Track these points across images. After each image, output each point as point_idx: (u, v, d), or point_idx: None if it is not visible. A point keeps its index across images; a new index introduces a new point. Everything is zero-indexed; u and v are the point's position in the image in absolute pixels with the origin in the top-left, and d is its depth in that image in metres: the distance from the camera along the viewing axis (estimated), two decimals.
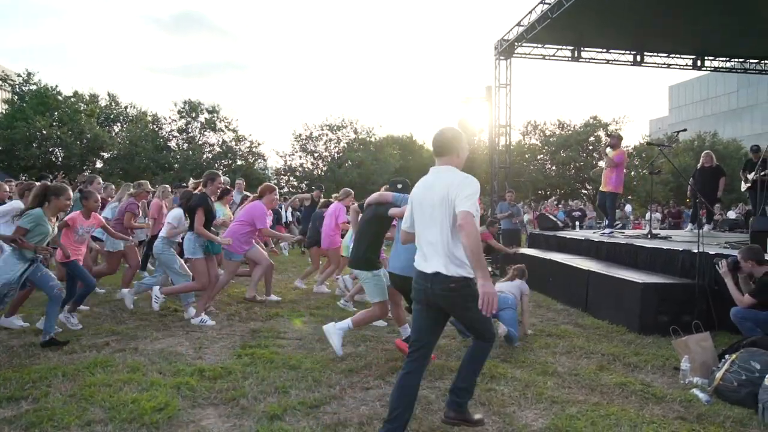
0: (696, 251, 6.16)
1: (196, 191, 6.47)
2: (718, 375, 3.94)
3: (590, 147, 34.08)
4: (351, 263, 5.10)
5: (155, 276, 6.70)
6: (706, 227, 10.37)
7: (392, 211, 4.62)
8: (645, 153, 35.04)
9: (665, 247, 6.90)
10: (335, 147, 36.37)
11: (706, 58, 15.14)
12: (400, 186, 5.17)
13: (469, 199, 2.80)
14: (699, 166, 9.88)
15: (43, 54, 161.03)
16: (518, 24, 12.24)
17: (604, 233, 8.96)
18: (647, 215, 16.36)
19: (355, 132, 36.58)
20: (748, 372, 3.72)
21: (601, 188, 9.53)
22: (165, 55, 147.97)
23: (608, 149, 9.35)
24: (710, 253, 6.12)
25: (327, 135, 36.25)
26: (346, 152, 35.64)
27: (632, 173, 35.42)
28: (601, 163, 9.59)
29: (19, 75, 32.52)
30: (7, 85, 32.84)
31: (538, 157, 36.59)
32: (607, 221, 9.70)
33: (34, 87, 31.29)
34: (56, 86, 31.88)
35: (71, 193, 5.25)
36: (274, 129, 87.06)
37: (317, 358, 4.66)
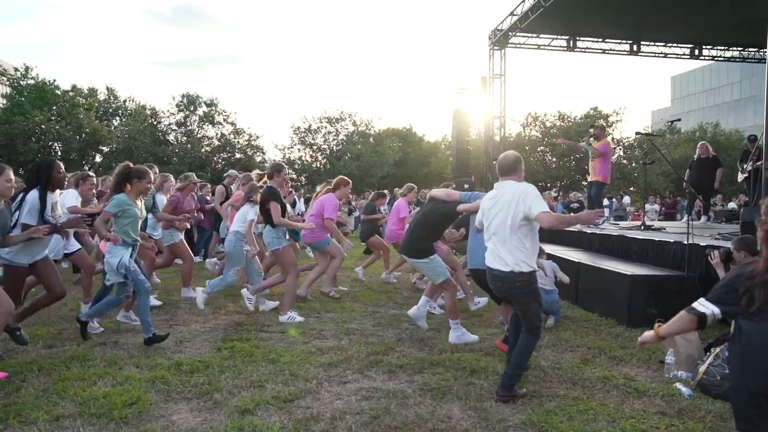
0: (688, 242, 6.09)
1: (260, 183, 6.46)
2: (702, 369, 3.88)
3: (591, 138, 33.90)
4: (404, 251, 5.27)
5: (230, 276, 6.18)
6: (703, 219, 10.27)
7: (462, 207, 4.81)
8: (645, 144, 34.85)
9: (657, 239, 6.82)
10: (334, 140, 36.27)
11: (704, 47, 14.93)
12: (467, 186, 5.34)
13: (537, 200, 3.45)
14: (695, 157, 9.77)
15: (42, 48, 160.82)
16: (511, 13, 12.08)
17: (597, 224, 8.88)
18: (646, 206, 16.25)
19: (354, 124, 36.45)
20: None
21: (589, 179, 9.45)
22: (166, 48, 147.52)
23: (592, 139, 9.24)
24: (701, 244, 6.04)
25: (326, 127, 36.13)
26: (345, 145, 35.54)
27: (633, 164, 35.29)
28: (582, 144, 9.48)
29: (17, 69, 32.44)
30: (5, 79, 32.81)
31: (539, 149, 36.41)
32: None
33: (32, 81, 31.18)
34: (54, 80, 31.84)
35: (152, 176, 5.20)
36: (273, 122, 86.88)
37: (297, 351, 4.61)
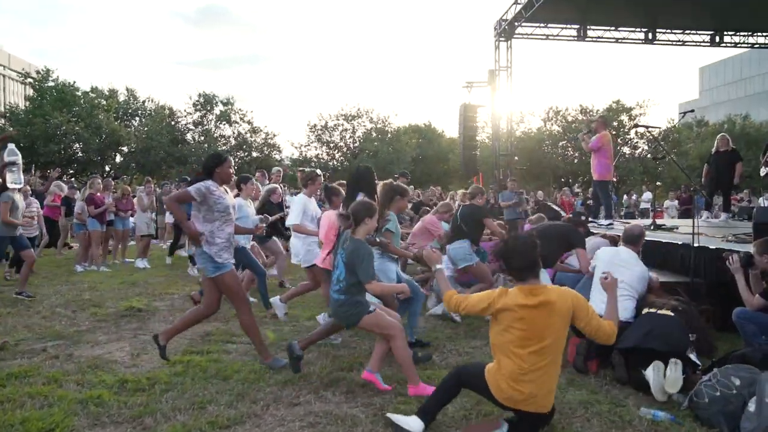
0: (695, 245, 5.57)
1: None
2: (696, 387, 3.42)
3: (613, 132, 32.83)
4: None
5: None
6: (723, 216, 9.60)
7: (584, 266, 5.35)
8: (672, 137, 33.66)
9: (664, 240, 6.30)
10: (351, 137, 35.98)
11: (726, 33, 13.98)
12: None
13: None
14: (714, 150, 9.12)
15: (69, 51, 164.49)
16: (515, 2, 11.49)
17: (602, 225, 8.35)
18: (665, 203, 15.52)
19: (371, 121, 36.11)
20: (724, 388, 3.18)
21: (593, 177, 8.89)
22: (190, 49, 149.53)
23: (588, 135, 8.70)
24: (710, 247, 5.51)
25: (342, 125, 35.86)
26: (362, 142, 35.22)
27: (660, 158, 34.08)
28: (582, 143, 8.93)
29: (38, 72, 32.99)
30: (28, 82, 33.43)
31: (560, 144, 35.47)
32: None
33: (52, 84, 31.65)
34: (74, 82, 32.29)
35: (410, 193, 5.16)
36: (293, 120, 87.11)
37: (256, 367, 4.27)
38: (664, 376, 3.63)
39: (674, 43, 13.67)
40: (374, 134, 35.95)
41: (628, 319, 4.35)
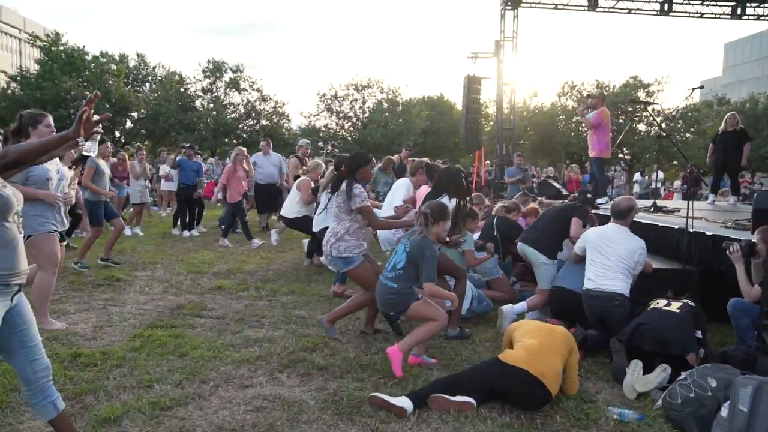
0: (690, 231, 5.28)
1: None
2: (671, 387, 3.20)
3: (629, 109, 31.94)
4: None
5: None
6: (732, 199, 9.22)
7: (573, 231, 4.98)
8: (690, 114, 32.70)
9: (660, 224, 6.00)
10: (361, 107, 35.45)
11: (748, 4, 13.08)
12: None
13: (644, 263, 4.43)
14: (721, 129, 8.69)
15: (83, 15, 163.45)
16: None
17: (600, 203, 8.05)
18: (675, 183, 15.04)
19: (382, 92, 35.50)
20: (699, 389, 2.95)
21: (589, 154, 8.55)
22: (205, 15, 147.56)
23: (589, 110, 8.32)
24: (707, 233, 5.22)
25: (352, 95, 35.31)
26: (372, 113, 34.69)
27: (677, 136, 33.23)
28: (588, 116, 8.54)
29: (47, 35, 32.73)
30: (38, 45, 33.19)
31: (574, 119, 34.67)
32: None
33: (62, 48, 31.40)
34: (83, 47, 31.98)
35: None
36: (305, 89, 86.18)
37: (218, 343, 4.12)
38: (641, 375, 3.42)
39: (692, 14, 12.89)
40: (385, 105, 35.38)
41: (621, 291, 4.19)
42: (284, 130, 34.66)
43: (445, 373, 3.61)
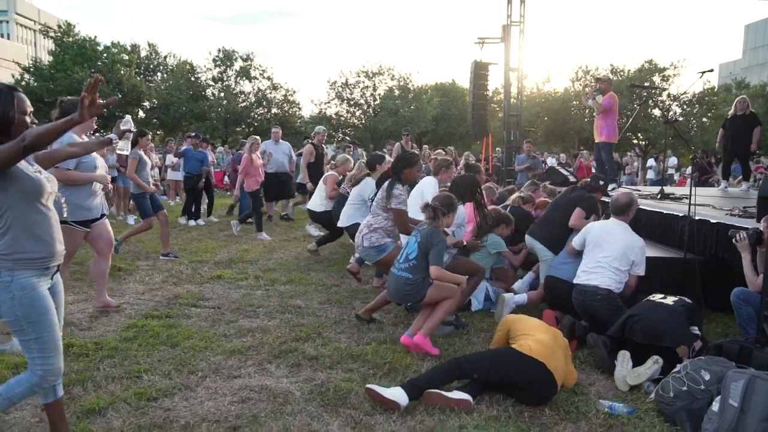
0: (695, 218, 5.14)
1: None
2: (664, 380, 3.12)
3: (644, 94, 31.33)
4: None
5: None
6: (744, 185, 9.00)
7: (573, 221, 4.94)
8: (708, 98, 31.99)
9: (665, 212, 5.87)
10: (371, 95, 35.24)
11: None
12: None
13: (643, 264, 4.26)
14: (731, 113, 8.45)
15: (97, 6, 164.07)
16: None
17: (610, 191, 7.89)
18: (689, 169, 14.71)
19: (392, 78, 35.25)
20: (692, 383, 2.87)
21: (595, 139, 8.36)
22: (220, 3, 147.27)
23: (597, 94, 8.12)
24: (711, 221, 5.08)
25: (363, 82, 35.11)
26: (383, 100, 34.48)
27: (693, 121, 32.61)
28: (590, 102, 8.40)
29: (59, 26, 32.95)
30: (51, 35, 33.44)
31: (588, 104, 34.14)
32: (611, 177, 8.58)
33: (72, 39, 31.59)
34: (95, 37, 32.16)
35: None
36: (317, 77, 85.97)
37: (211, 333, 4.13)
38: (631, 367, 3.36)
39: None
40: (397, 92, 35.14)
41: (605, 286, 4.06)
42: (296, 119, 34.63)
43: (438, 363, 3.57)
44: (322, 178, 7.64)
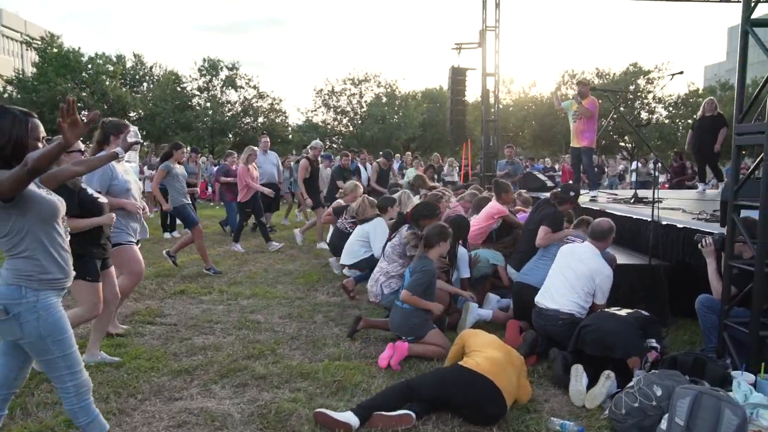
0: (662, 222, 5.08)
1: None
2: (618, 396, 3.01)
3: (630, 96, 31.52)
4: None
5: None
6: (722, 187, 8.95)
7: (539, 240, 4.77)
8: (692, 100, 32.17)
9: (634, 217, 5.79)
10: (358, 102, 35.20)
11: None
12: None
13: (606, 295, 3.99)
14: (699, 114, 8.41)
15: (87, 17, 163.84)
16: None
17: (587, 195, 7.84)
18: (667, 174, 14.66)
19: (379, 85, 35.23)
20: (644, 398, 2.77)
21: (572, 145, 8.25)
22: (209, 13, 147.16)
23: (576, 98, 8.05)
24: (678, 226, 5.01)
25: (349, 89, 35.06)
26: (370, 107, 34.43)
27: (679, 123, 32.77)
28: (565, 104, 8.32)
29: (42, 38, 32.72)
30: (35, 46, 33.19)
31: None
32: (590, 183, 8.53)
33: (56, 50, 31.35)
34: (78, 48, 31.92)
35: None
36: (304, 85, 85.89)
37: (161, 352, 3.98)
38: (586, 382, 3.24)
39: None
40: (384, 99, 35.10)
41: (566, 310, 3.91)
42: (288, 127, 34.50)
43: (396, 379, 3.45)
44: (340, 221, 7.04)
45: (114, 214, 3.66)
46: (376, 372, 3.63)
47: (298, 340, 4.32)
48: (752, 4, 3.50)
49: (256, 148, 8.97)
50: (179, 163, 7.02)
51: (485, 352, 3.13)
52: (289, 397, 3.25)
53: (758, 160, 3.51)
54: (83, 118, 2.13)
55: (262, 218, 8.61)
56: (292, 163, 12.86)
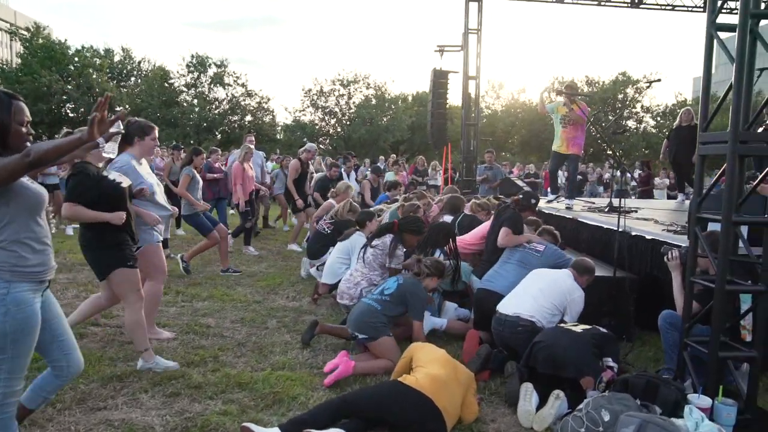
0: (632, 233, 4.94)
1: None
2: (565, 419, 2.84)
3: (619, 105, 31.61)
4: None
5: None
6: (681, 198, 8.85)
7: (500, 240, 4.67)
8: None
9: (605, 227, 5.65)
10: (346, 103, 35.01)
11: None
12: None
13: (575, 317, 3.84)
14: (676, 124, 8.32)
15: (78, 10, 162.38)
16: None
17: (563, 202, 7.70)
18: (656, 180, 14.61)
19: (368, 87, 35.08)
20: (591, 423, 2.61)
21: (557, 150, 8.02)
22: (203, 10, 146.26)
23: (567, 103, 7.89)
24: (646, 238, 4.87)
25: (338, 90, 34.88)
26: (358, 108, 34.26)
27: (667, 133, 32.95)
28: (549, 106, 8.12)
29: (28, 29, 32.25)
30: (21, 35, 32.71)
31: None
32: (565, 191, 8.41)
33: (42, 41, 30.90)
34: (65, 40, 31.50)
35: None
36: (298, 84, 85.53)
37: (97, 357, 3.76)
38: (536, 402, 3.07)
39: (662, 7, 12.34)
40: (374, 101, 34.94)
41: (527, 317, 3.75)
42: (278, 127, 34.24)
43: (337, 393, 3.26)
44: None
45: (123, 213, 3.43)
46: (318, 384, 3.44)
47: (245, 346, 4.13)
48: (717, 7, 3.36)
49: (252, 147, 8.72)
50: (196, 168, 6.90)
51: (427, 368, 2.95)
52: (221, 410, 3.05)
53: (720, 171, 3.36)
54: (110, 115, 2.08)
55: (249, 223, 8.37)
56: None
